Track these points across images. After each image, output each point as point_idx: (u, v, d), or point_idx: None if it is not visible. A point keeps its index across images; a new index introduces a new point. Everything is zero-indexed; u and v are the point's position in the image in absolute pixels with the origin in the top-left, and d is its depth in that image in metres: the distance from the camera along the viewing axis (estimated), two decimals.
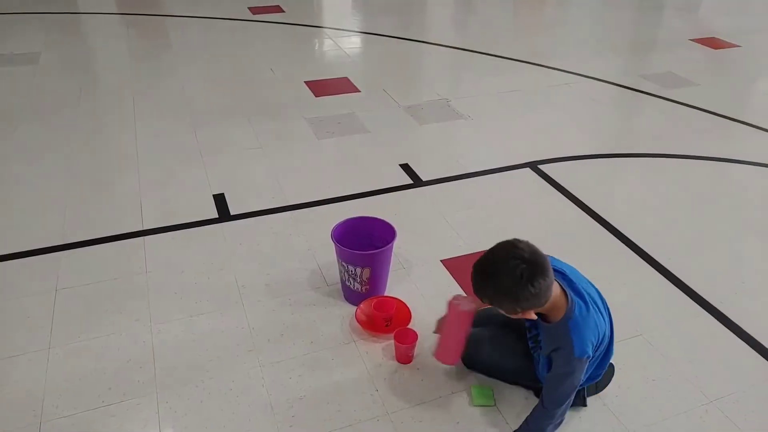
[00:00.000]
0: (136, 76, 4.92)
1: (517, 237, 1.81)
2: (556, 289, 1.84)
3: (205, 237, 3.01)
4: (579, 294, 1.91)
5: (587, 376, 2.02)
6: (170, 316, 2.51)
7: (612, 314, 2.42)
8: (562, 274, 1.94)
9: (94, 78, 4.94)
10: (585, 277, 2.05)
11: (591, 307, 1.89)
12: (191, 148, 3.83)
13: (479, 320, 2.19)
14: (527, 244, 1.78)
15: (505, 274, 1.73)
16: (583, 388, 2.13)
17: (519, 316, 1.82)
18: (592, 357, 1.91)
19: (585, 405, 2.16)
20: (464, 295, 2.13)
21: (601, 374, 2.12)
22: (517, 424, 2.08)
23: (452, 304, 2.09)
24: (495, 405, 2.17)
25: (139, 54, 5.44)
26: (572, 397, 1.94)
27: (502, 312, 1.85)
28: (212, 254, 2.88)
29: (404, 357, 2.32)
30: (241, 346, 2.38)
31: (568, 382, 1.89)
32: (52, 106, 4.38)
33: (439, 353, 2.19)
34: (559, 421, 1.99)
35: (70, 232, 3.02)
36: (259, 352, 2.35)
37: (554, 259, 1.99)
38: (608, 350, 2.05)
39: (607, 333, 1.99)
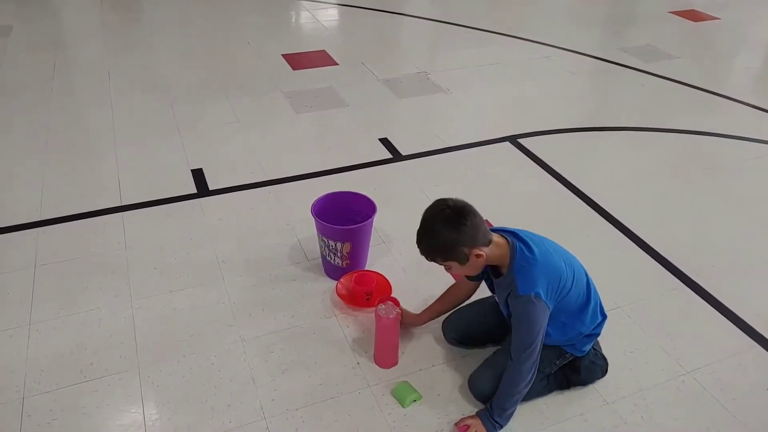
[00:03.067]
0: (111, 51, 4.83)
1: (472, 205, 1.89)
2: (500, 239, 1.92)
3: (184, 212, 3.00)
4: (523, 241, 1.94)
5: (577, 332, 2.06)
6: (150, 291, 2.51)
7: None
8: (512, 234, 1.99)
9: (68, 52, 4.84)
10: (553, 244, 2.06)
11: (538, 250, 1.92)
12: (168, 123, 3.79)
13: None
14: (451, 198, 1.91)
15: (437, 221, 1.87)
16: (578, 364, 2.15)
17: (470, 263, 1.88)
18: (555, 300, 1.91)
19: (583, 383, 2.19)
20: (386, 303, 2.17)
21: (592, 331, 2.10)
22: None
23: (377, 315, 2.15)
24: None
25: (114, 28, 5.34)
26: (538, 350, 1.91)
27: (456, 266, 1.92)
28: (191, 230, 2.87)
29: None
30: (222, 321, 2.39)
31: (525, 324, 1.88)
32: (26, 81, 4.29)
33: (377, 359, 2.25)
34: (526, 383, 1.94)
35: (48, 209, 2.99)
36: (240, 327, 2.36)
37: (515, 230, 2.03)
38: (587, 303, 2.05)
39: (574, 281, 1.99)
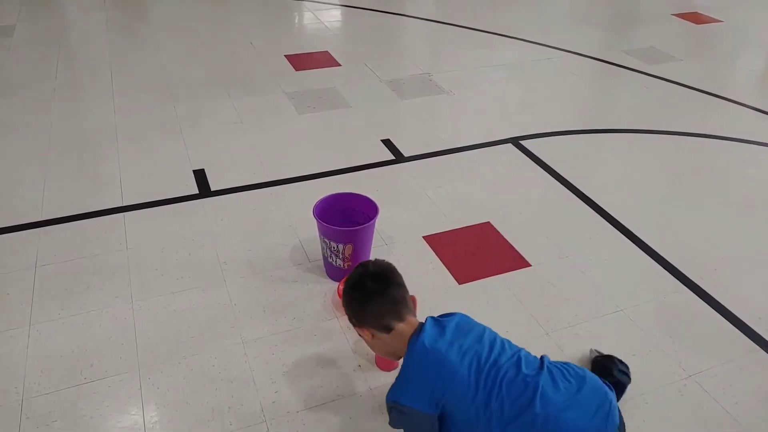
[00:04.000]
0: (114, 50, 4.83)
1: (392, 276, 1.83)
2: (408, 328, 1.74)
3: (185, 213, 2.99)
4: (440, 325, 1.69)
5: None
6: (151, 292, 2.51)
7: (593, 290, 2.45)
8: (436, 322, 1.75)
9: (71, 51, 4.84)
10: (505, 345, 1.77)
11: (451, 343, 1.64)
12: (171, 122, 3.78)
13: None
14: (376, 263, 1.84)
15: (349, 279, 1.82)
16: None
17: (359, 332, 1.83)
18: (432, 412, 1.62)
19: None
20: None
21: None
22: None
23: None
24: None
25: (117, 26, 5.33)
26: None
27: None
28: (193, 230, 2.87)
29: None
30: (224, 322, 2.38)
31: None
32: (28, 80, 4.29)
33: (378, 362, 2.24)
34: None
35: (49, 209, 2.98)
36: (241, 329, 2.36)
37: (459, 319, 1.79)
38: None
39: (487, 402, 1.58)
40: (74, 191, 3.13)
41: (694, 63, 5.04)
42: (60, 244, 2.75)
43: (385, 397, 1.72)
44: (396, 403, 1.64)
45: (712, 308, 2.57)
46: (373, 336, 1.74)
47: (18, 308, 2.41)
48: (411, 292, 2.52)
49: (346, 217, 2.62)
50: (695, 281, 2.70)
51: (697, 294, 2.63)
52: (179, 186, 3.18)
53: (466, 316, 1.82)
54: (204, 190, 3.16)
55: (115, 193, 3.11)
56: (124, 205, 3.02)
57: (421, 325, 1.71)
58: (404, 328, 1.72)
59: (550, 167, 3.47)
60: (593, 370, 2.10)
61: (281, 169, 3.34)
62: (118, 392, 2.10)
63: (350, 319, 1.82)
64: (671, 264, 2.79)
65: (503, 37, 5.39)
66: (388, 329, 1.72)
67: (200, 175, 3.27)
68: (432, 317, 1.76)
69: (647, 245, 2.90)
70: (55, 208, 2.99)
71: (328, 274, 2.62)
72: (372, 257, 2.66)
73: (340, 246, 2.48)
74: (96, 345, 2.27)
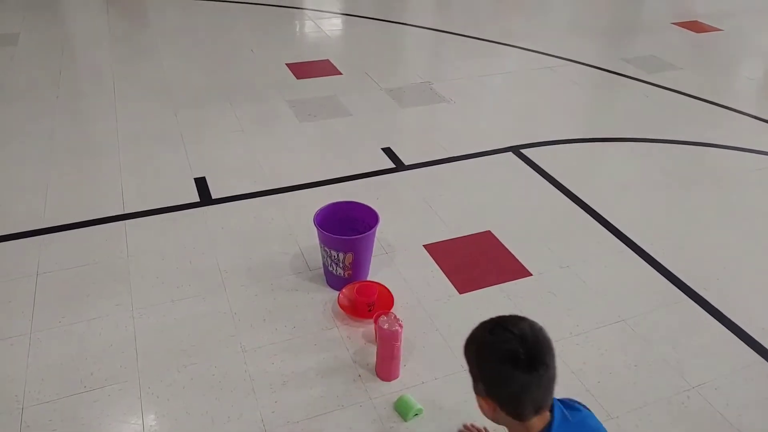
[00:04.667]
0: (117, 58, 4.84)
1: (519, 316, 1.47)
2: (545, 417, 1.44)
3: (186, 221, 2.99)
4: (569, 425, 1.45)
5: None
6: (152, 300, 2.50)
7: (594, 300, 2.45)
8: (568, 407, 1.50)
9: (74, 59, 4.86)
10: None
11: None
12: (172, 130, 3.79)
13: None
14: (530, 333, 1.40)
15: (486, 339, 1.45)
16: None
17: (481, 404, 1.48)
18: None
19: None
20: (388, 315, 2.17)
21: None
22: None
23: (379, 327, 2.14)
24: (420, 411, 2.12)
25: (120, 35, 5.36)
26: None
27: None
28: (194, 238, 2.87)
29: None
30: (224, 331, 2.38)
31: None
32: (32, 87, 4.31)
33: (379, 372, 2.24)
34: None
35: (51, 216, 2.99)
36: (241, 337, 2.35)
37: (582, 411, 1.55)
38: None
39: None
40: (76, 199, 3.13)
41: (694, 72, 5.05)
42: (61, 252, 2.75)
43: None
44: None
45: (715, 319, 2.56)
46: (495, 410, 1.44)
47: (19, 316, 2.41)
48: (412, 302, 2.55)
49: (347, 225, 2.62)
50: (698, 291, 2.69)
51: (699, 304, 2.63)
52: (180, 194, 3.18)
53: (592, 416, 1.56)
54: (205, 198, 3.17)
55: (117, 201, 3.11)
56: (126, 213, 3.03)
57: (550, 423, 1.43)
58: (536, 423, 1.42)
59: (550, 176, 3.47)
60: None
61: (282, 177, 3.35)
62: (118, 401, 2.09)
63: (474, 380, 1.46)
64: (673, 274, 2.78)
65: (504, 46, 5.41)
66: (520, 418, 1.42)
67: (201, 183, 3.27)
68: (561, 408, 1.47)
69: (649, 255, 2.89)
70: (57, 215, 2.99)
71: (328, 283, 2.62)
72: (372, 266, 2.67)
73: (341, 255, 2.48)
74: (96, 353, 2.26)
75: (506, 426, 1.49)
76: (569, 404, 1.49)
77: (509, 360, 1.34)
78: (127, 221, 2.97)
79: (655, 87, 4.71)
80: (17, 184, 3.24)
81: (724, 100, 4.54)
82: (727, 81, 5.06)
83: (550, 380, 1.39)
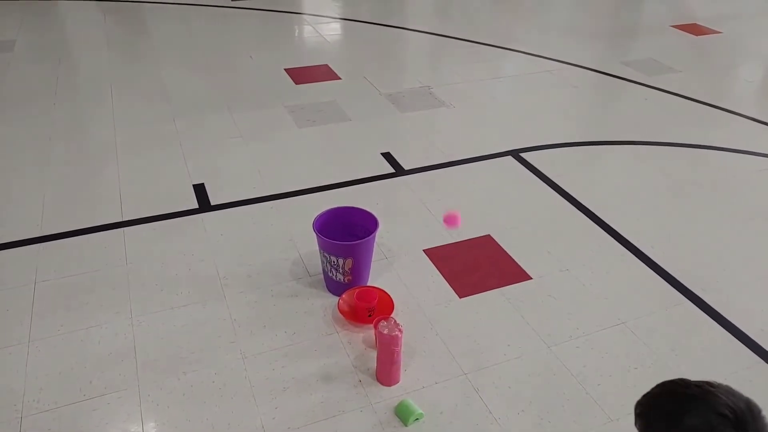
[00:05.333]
0: (114, 64, 4.84)
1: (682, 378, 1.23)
2: None
3: (185, 228, 2.99)
4: None
5: None
6: (151, 308, 2.49)
7: (594, 303, 2.44)
8: None
9: (71, 66, 4.86)
10: None
11: None
12: (170, 137, 3.79)
13: None
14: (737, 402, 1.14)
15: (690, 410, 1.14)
16: None
17: None
18: None
19: None
20: (388, 320, 2.16)
21: None
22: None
23: (379, 332, 2.13)
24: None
25: (117, 41, 5.36)
26: None
27: None
28: (193, 245, 2.86)
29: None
30: (223, 337, 2.37)
31: None
32: (28, 95, 4.30)
33: (379, 377, 2.23)
34: None
35: (49, 224, 2.98)
36: (241, 344, 2.34)
37: None
38: None
39: None
40: (74, 206, 3.12)
41: (693, 74, 5.05)
42: (59, 260, 2.74)
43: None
44: None
45: (715, 321, 2.56)
46: None
47: (17, 324, 2.40)
48: (412, 307, 2.54)
49: (347, 230, 2.61)
50: (697, 294, 2.69)
51: (699, 307, 2.62)
52: (179, 200, 3.18)
53: None
54: (204, 204, 3.16)
55: (115, 208, 3.10)
56: (124, 220, 3.02)
57: None
58: None
59: (550, 180, 3.47)
60: None
61: (281, 183, 3.34)
62: (118, 409, 2.08)
63: None
64: (673, 276, 2.78)
65: (503, 50, 5.41)
66: None
67: (200, 190, 3.27)
68: None
69: (648, 258, 2.89)
70: (55, 223, 2.99)
71: (328, 289, 2.61)
72: (372, 271, 2.67)
73: (340, 260, 2.47)
74: (95, 361, 2.25)
75: None
76: None
77: None
78: (125, 228, 2.96)
79: (654, 90, 4.71)
80: (14, 192, 3.23)
81: (724, 102, 4.54)
82: (727, 83, 5.06)
83: None
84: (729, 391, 1.12)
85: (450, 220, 2.39)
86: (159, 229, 2.97)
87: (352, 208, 2.67)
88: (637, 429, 1.17)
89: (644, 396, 1.19)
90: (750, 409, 1.08)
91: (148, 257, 2.78)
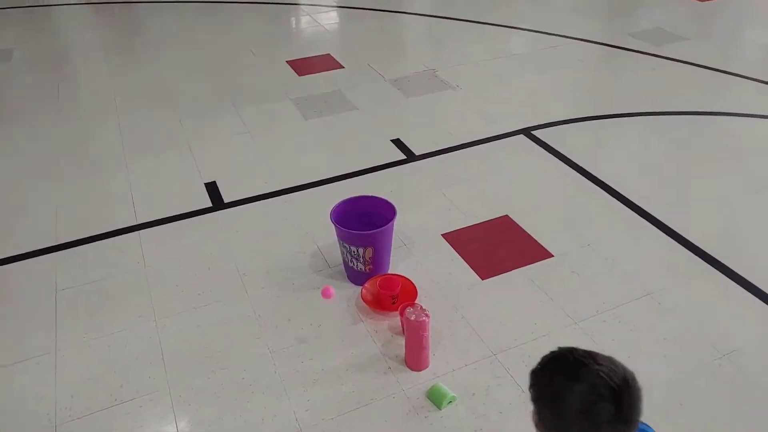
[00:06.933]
0: (114, 68, 4.81)
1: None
2: None
3: (200, 227, 2.97)
4: None
5: None
6: (174, 309, 2.48)
7: (619, 276, 2.40)
8: None
9: (71, 72, 4.83)
10: None
11: None
12: (178, 137, 3.76)
13: None
14: (617, 370, 1.17)
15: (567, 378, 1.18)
16: None
17: None
18: None
19: None
20: (414, 306, 2.15)
21: None
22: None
23: (406, 318, 2.12)
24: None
25: (114, 44, 5.33)
26: None
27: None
28: (210, 244, 2.84)
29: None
30: (249, 334, 2.36)
31: None
32: (31, 103, 4.28)
33: (409, 362, 2.22)
34: None
35: (63, 232, 2.96)
36: (267, 339, 2.33)
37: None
38: None
39: None
40: (87, 213, 3.11)
41: (701, 41, 4.99)
42: (78, 267, 2.73)
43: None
44: None
45: (741, 287, 2.53)
46: None
47: (42, 334, 2.39)
48: (434, 293, 2.52)
49: (364, 220, 2.59)
50: (721, 260, 2.66)
51: (724, 273, 2.60)
52: (192, 200, 3.16)
53: None
54: (217, 202, 3.14)
55: (128, 212, 3.08)
56: (138, 223, 3.00)
57: None
58: None
59: (564, 156, 3.44)
60: None
61: (293, 177, 3.32)
62: (151, 412, 2.07)
63: (540, 417, 1.22)
64: (695, 245, 2.75)
65: (505, 28, 5.36)
66: None
67: (212, 188, 3.25)
68: None
69: (669, 228, 2.86)
70: (70, 231, 2.97)
71: (349, 279, 2.59)
72: (393, 259, 2.65)
73: (360, 250, 2.45)
74: (123, 366, 2.24)
75: None
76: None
77: (591, 423, 1.13)
78: (141, 231, 2.94)
79: (663, 59, 4.65)
80: (26, 203, 3.21)
81: (734, 67, 4.48)
82: (734, 48, 5.00)
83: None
84: (611, 361, 1.18)
85: (325, 293, 2.37)
86: (174, 230, 2.95)
87: (369, 196, 2.65)
88: (531, 398, 1.23)
89: (535, 366, 1.24)
90: (626, 378, 1.15)
91: (166, 259, 2.76)
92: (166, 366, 2.24)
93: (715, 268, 2.62)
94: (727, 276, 2.58)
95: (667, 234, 2.82)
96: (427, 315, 2.12)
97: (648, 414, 1.99)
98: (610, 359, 1.19)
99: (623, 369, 1.18)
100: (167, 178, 3.37)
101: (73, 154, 3.65)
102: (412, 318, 2.10)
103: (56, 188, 3.32)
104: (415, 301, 2.38)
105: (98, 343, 2.34)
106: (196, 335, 2.36)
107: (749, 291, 2.50)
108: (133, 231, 2.95)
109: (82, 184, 3.36)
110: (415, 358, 2.19)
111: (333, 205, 2.57)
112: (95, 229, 2.97)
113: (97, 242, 2.89)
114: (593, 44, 4.97)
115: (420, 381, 2.15)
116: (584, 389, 1.13)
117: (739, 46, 5.05)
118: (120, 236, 2.92)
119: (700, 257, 2.68)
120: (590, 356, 1.18)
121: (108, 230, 2.96)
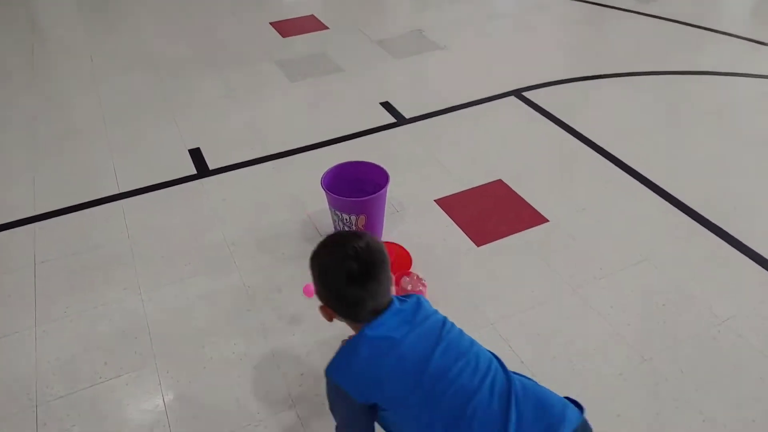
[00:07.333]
0: (90, 31, 4.62)
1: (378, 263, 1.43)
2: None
3: (185, 195, 2.86)
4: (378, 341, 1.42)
5: None
6: (160, 281, 2.39)
7: (615, 241, 2.28)
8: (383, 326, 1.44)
9: (45, 36, 4.64)
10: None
11: (382, 342, 1.41)
12: (159, 102, 3.62)
13: None
14: (365, 244, 1.43)
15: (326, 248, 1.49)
16: None
17: (320, 308, 1.53)
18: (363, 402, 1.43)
19: None
20: (410, 276, 2.06)
21: None
22: None
23: (400, 289, 2.06)
24: None
25: (89, 6, 5.12)
26: None
27: None
28: (196, 213, 2.74)
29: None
30: (239, 306, 2.28)
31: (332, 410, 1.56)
32: (4, 70, 4.10)
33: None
34: None
35: (42, 202, 2.84)
36: (258, 311, 2.25)
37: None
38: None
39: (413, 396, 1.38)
40: (67, 183, 2.98)
41: None
42: (58, 239, 2.62)
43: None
44: (335, 384, 1.45)
45: (737, 250, 2.49)
46: (333, 316, 1.51)
47: (21, 310, 2.29)
48: (429, 259, 2.45)
49: (355, 186, 2.50)
50: (717, 223, 2.61)
51: (720, 236, 2.55)
52: (176, 168, 3.04)
53: (423, 301, 1.53)
54: (202, 169, 3.03)
55: (110, 181, 2.97)
56: (121, 192, 2.89)
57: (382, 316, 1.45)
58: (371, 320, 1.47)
59: (556, 117, 3.35)
60: None
61: (280, 142, 3.21)
62: (137, 389, 2.00)
63: (317, 290, 1.50)
64: (691, 207, 2.70)
65: None
66: (357, 320, 1.48)
67: (196, 155, 3.13)
68: (396, 299, 1.50)
69: (664, 190, 2.80)
70: (49, 201, 2.85)
71: None
72: (385, 226, 2.57)
73: (353, 217, 2.37)
74: (108, 341, 2.16)
75: (346, 324, 1.56)
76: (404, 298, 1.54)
77: (345, 278, 1.41)
78: (123, 201, 2.83)
79: (651, 18, 4.55)
80: (2, 172, 3.08)
81: (723, 25, 4.39)
82: (722, 5, 4.90)
83: (384, 290, 1.45)
84: (365, 235, 1.46)
85: (307, 291, 2.26)
86: (158, 199, 2.84)
87: (360, 162, 2.55)
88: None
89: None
90: (368, 243, 1.43)
91: (151, 229, 2.66)
92: (152, 341, 2.16)
93: (711, 231, 2.58)
94: (723, 239, 2.54)
95: (661, 196, 2.77)
96: (423, 285, 2.05)
97: (651, 382, 1.97)
98: (366, 235, 1.47)
99: (371, 239, 1.46)
100: (149, 145, 3.24)
101: (51, 121, 3.50)
102: (409, 288, 2.04)
103: (33, 157, 3.18)
104: (410, 270, 2.31)
105: (81, 317, 2.25)
106: (184, 308, 2.28)
107: (745, 254, 2.46)
108: (116, 200, 2.84)
109: (60, 152, 3.22)
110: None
111: (322, 171, 2.47)
112: (75, 199, 2.85)
113: (77, 212, 2.78)
114: (580, 2, 4.85)
115: None
116: (337, 251, 1.44)
117: (726, 3, 4.96)
118: (102, 206, 2.81)
119: (695, 220, 2.64)
120: (350, 234, 1.48)
121: (89, 200, 2.85)
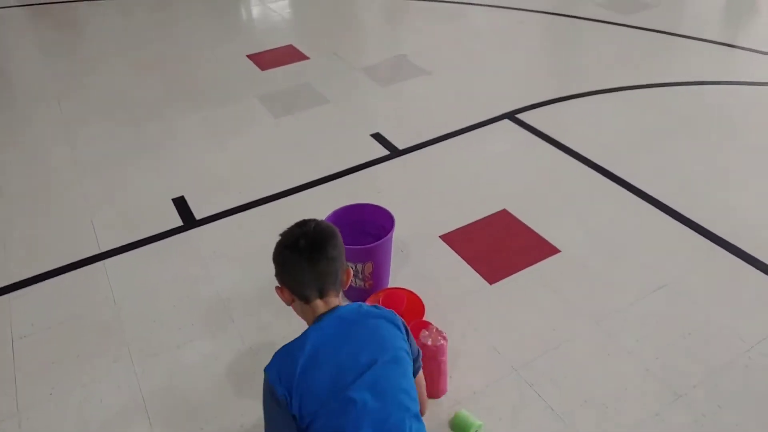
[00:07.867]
0: (57, 75, 4.41)
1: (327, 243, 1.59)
2: (330, 303, 1.58)
3: (173, 249, 2.67)
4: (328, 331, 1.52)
5: None
6: (153, 350, 2.19)
7: (630, 268, 2.27)
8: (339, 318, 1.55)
9: (9, 83, 4.42)
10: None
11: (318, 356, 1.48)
12: (137, 148, 3.43)
13: None
14: (316, 224, 1.62)
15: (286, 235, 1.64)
16: None
17: (278, 291, 1.65)
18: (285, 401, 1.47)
19: None
20: (429, 329, 1.92)
21: None
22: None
23: (421, 343, 1.90)
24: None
25: (56, 49, 4.92)
26: None
27: None
28: (185, 268, 2.55)
29: None
30: (243, 370, 2.10)
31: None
32: None
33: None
34: None
35: (16, 270, 2.62)
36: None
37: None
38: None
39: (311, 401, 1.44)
40: (42, 245, 2.76)
41: (670, 7, 4.84)
42: (36, 309, 2.40)
43: None
44: (271, 382, 1.51)
45: (756, 268, 2.38)
46: (292, 300, 1.62)
47: (1, 395, 2.07)
48: (441, 301, 2.29)
49: (357, 229, 2.35)
50: (731, 241, 2.51)
51: (735, 255, 2.45)
52: (160, 220, 2.85)
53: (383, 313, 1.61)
54: (188, 220, 2.84)
55: (89, 239, 2.76)
56: (102, 251, 2.68)
57: (332, 311, 1.57)
58: (320, 305, 1.58)
59: (553, 139, 3.24)
60: None
61: (270, 184, 3.03)
62: None
63: (276, 275, 1.64)
64: (701, 225, 2.60)
65: (469, 5, 5.13)
66: (307, 300, 1.58)
67: (181, 204, 2.94)
68: (357, 305, 1.61)
69: (674, 210, 2.69)
70: (23, 268, 2.62)
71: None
72: (391, 269, 2.41)
73: (359, 266, 2.20)
74: (101, 423, 1.96)
75: (301, 315, 1.64)
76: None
77: (291, 247, 1.57)
78: (105, 261, 2.63)
79: (633, 29, 4.49)
80: None
81: (708, 34, 4.35)
82: (704, 14, 4.87)
83: (333, 269, 1.57)
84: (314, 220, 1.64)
85: None
86: (144, 256, 2.65)
87: (361, 204, 2.40)
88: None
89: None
90: (318, 224, 1.61)
91: (138, 290, 2.46)
92: (150, 419, 1.96)
93: (725, 249, 2.48)
94: (739, 257, 2.43)
95: (672, 216, 2.67)
96: (444, 338, 1.90)
97: (688, 421, 1.82)
98: (318, 219, 1.65)
99: (323, 222, 1.64)
100: (130, 196, 3.05)
101: (19, 177, 3.28)
102: (429, 343, 1.87)
103: (4, 217, 2.96)
104: (424, 319, 2.15)
105: (68, 398, 2.04)
106: (183, 378, 2.09)
107: (765, 272, 2.35)
108: (97, 261, 2.63)
109: (32, 211, 3.01)
110: (433, 385, 1.96)
111: (316, 213, 2.26)
112: (52, 263, 2.64)
113: (56, 278, 2.56)
114: (560, 17, 4.78)
115: (440, 409, 1.93)
116: (291, 231, 1.62)
117: (708, 12, 4.92)
118: (82, 268, 2.60)
119: (707, 238, 2.54)
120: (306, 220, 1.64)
121: (67, 262, 2.63)
